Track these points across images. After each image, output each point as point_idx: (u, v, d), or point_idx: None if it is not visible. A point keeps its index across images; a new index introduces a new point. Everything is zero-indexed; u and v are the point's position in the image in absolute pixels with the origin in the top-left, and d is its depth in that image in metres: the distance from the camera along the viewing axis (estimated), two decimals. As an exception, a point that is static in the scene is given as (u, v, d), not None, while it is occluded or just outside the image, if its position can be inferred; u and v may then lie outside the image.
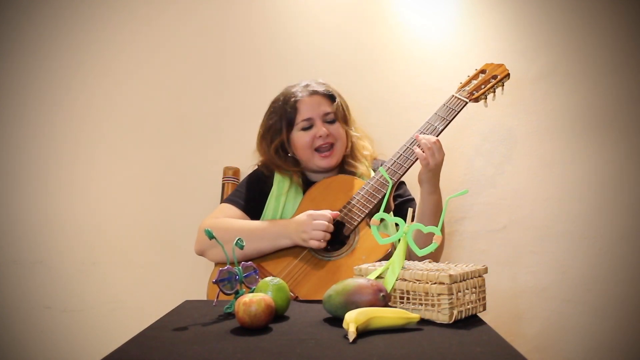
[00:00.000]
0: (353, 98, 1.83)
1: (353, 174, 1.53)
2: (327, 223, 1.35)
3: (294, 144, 1.54)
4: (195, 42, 1.93)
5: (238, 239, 1.09)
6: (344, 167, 1.57)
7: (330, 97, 1.54)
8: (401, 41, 1.89)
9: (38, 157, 1.92)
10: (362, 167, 1.55)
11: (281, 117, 1.53)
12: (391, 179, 1.13)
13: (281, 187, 1.53)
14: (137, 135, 1.93)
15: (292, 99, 1.52)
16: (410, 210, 1.10)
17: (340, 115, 1.54)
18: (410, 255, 1.04)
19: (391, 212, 1.43)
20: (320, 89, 1.54)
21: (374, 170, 1.58)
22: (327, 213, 1.37)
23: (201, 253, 1.48)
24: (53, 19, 1.93)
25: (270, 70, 1.89)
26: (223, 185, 1.79)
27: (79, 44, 1.93)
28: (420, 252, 1.00)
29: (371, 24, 1.91)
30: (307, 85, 1.54)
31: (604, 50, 1.85)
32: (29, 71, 1.93)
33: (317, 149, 1.51)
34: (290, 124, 1.52)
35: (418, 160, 1.40)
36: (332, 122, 1.53)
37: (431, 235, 1.01)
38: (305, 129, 1.51)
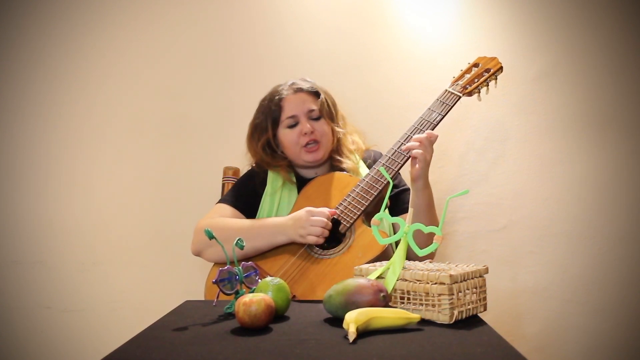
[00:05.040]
0: (353, 98, 1.83)
1: (341, 169, 1.54)
2: (325, 220, 1.35)
3: (281, 142, 1.55)
4: (195, 42, 1.94)
5: (238, 239, 1.08)
6: (332, 162, 1.57)
7: (315, 93, 1.54)
8: (401, 41, 1.89)
9: (38, 157, 1.93)
10: (349, 162, 1.55)
11: (267, 115, 1.55)
12: (390, 178, 1.13)
13: (275, 185, 1.53)
14: (137, 135, 1.93)
15: (277, 97, 1.53)
16: (410, 210, 1.09)
17: (325, 112, 1.54)
18: (409, 255, 1.04)
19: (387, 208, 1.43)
20: (305, 86, 1.55)
21: (365, 162, 1.59)
22: (326, 210, 1.37)
23: (198, 253, 1.47)
24: (54, 19, 1.93)
25: (270, 71, 1.89)
26: (223, 185, 1.79)
27: (80, 45, 1.94)
28: (421, 252, 1.00)
29: (371, 24, 1.91)
30: (292, 84, 1.55)
31: (604, 50, 1.85)
32: (30, 71, 1.93)
33: (304, 145, 1.52)
34: (276, 122, 1.54)
35: (412, 158, 1.39)
36: (316, 119, 1.53)
37: (431, 234, 1.01)
38: (290, 126, 1.52)
